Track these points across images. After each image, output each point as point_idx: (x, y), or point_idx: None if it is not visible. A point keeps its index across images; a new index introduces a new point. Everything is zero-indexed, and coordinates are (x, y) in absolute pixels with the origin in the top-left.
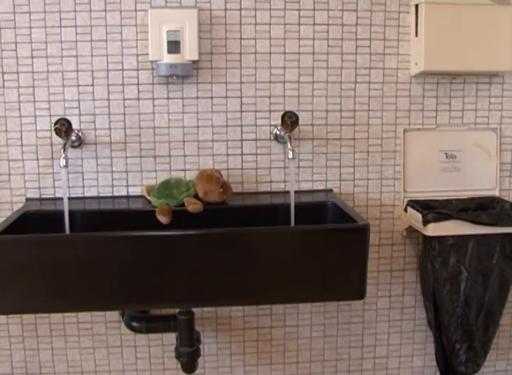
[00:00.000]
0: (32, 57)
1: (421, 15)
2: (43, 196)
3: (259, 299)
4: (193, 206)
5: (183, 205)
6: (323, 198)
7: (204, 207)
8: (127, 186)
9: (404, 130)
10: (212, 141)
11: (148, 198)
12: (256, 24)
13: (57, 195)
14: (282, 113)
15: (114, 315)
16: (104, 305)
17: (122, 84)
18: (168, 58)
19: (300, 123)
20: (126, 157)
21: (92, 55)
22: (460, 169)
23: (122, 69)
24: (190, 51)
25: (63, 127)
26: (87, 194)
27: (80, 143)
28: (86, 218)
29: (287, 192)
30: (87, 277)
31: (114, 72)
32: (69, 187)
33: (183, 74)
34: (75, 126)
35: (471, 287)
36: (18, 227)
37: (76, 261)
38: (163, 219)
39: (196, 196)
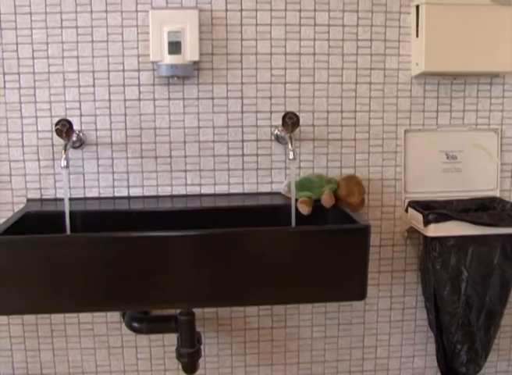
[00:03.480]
0: (33, 58)
1: (421, 15)
2: (44, 197)
3: (260, 300)
4: (327, 200)
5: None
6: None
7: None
8: (128, 187)
9: (405, 131)
10: (213, 141)
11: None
12: (257, 25)
13: (58, 196)
14: (282, 114)
15: (115, 315)
16: (105, 305)
17: (123, 85)
18: (169, 59)
19: (300, 123)
20: (127, 158)
21: (93, 56)
22: (461, 169)
23: (123, 70)
24: (190, 52)
25: (64, 128)
26: (87, 195)
27: (80, 144)
28: (87, 219)
29: None
30: (88, 278)
31: (115, 73)
32: (69, 187)
33: (184, 75)
34: (76, 126)
35: (471, 288)
36: (19, 228)
37: (77, 262)
38: (304, 209)
39: (335, 193)
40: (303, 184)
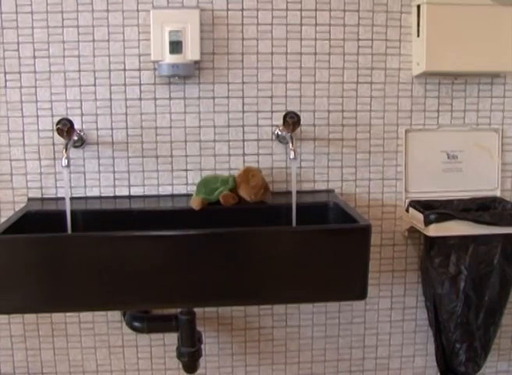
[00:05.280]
0: (34, 57)
1: (422, 15)
2: (45, 196)
3: (261, 299)
4: (226, 201)
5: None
6: (325, 199)
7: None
8: (129, 186)
9: (406, 131)
10: (214, 141)
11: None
12: (258, 24)
13: (59, 195)
14: (283, 113)
15: (115, 315)
16: (105, 304)
17: (124, 84)
18: (170, 59)
19: (301, 123)
20: (128, 157)
21: (94, 55)
22: (462, 169)
23: (124, 70)
24: (191, 52)
25: (65, 127)
26: (88, 194)
27: (81, 143)
28: (88, 218)
29: (289, 192)
30: (89, 277)
31: (116, 72)
32: (70, 187)
33: (185, 74)
34: (77, 126)
35: (470, 287)
36: (20, 227)
37: (77, 261)
38: (193, 205)
39: (234, 191)
40: (199, 188)
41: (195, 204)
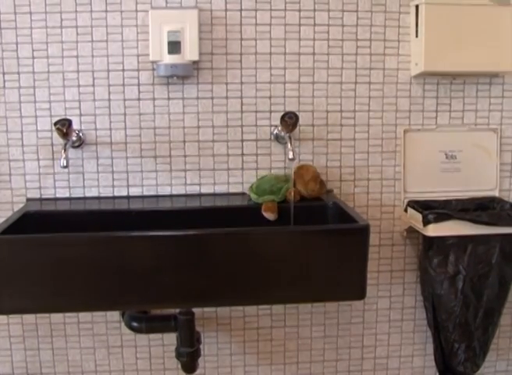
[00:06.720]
0: (33, 57)
1: (421, 15)
2: (43, 196)
3: (259, 299)
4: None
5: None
6: (324, 199)
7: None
8: (128, 186)
9: (404, 131)
10: (213, 141)
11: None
12: (256, 25)
13: (57, 195)
14: (282, 114)
15: (114, 315)
16: (104, 305)
17: (123, 85)
18: (169, 59)
19: (300, 123)
20: (127, 157)
21: (93, 56)
22: (460, 169)
23: (123, 70)
24: (190, 52)
25: (64, 128)
26: (87, 195)
27: (80, 143)
28: (86, 218)
29: None
30: (88, 277)
31: (114, 72)
32: (69, 187)
33: (184, 74)
34: (75, 126)
35: (469, 287)
36: (18, 227)
37: (76, 261)
38: (270, 216)
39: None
40: (263, 189)
41: (272, 211)
